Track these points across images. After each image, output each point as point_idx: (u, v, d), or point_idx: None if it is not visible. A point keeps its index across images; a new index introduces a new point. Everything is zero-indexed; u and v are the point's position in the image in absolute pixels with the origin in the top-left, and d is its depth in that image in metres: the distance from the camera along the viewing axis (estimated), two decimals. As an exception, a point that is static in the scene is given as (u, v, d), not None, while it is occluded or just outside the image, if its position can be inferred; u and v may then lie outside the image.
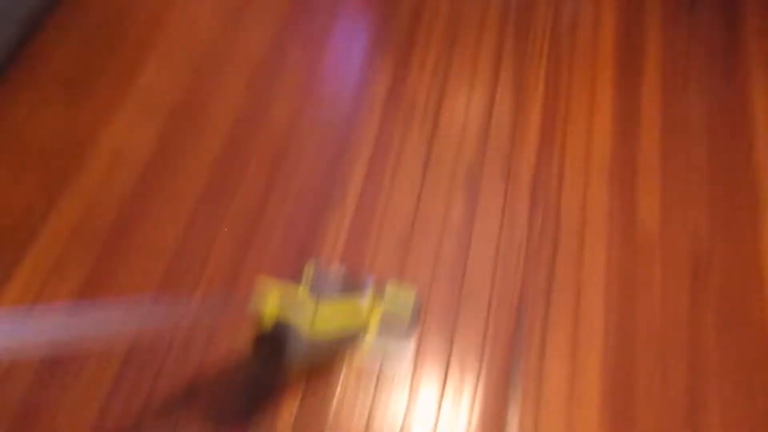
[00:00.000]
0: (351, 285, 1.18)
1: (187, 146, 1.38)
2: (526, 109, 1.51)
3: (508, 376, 1.19)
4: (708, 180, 1.45)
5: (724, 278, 1.33)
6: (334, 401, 1.15)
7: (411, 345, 1.22)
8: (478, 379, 1.19)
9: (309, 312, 0.89)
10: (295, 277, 1.21)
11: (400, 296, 1.23)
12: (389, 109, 1.48)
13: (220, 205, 1.32)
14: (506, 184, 1.40)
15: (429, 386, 1.18)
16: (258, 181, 1.36)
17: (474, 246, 1.32)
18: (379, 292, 1.21)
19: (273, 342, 0.86)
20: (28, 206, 1.29)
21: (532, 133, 1.47)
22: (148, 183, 1.33)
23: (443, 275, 1.28)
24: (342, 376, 1.17)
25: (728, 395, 1.20)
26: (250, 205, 1.33)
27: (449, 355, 1.21)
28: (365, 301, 1.16)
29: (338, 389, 1.16)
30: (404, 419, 1.15)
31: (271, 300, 0.83)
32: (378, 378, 1.18)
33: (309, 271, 1.20)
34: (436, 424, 1.15)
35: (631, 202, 1.40)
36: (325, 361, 1.17)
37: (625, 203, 1.40)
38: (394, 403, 1.16)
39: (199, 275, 1.24)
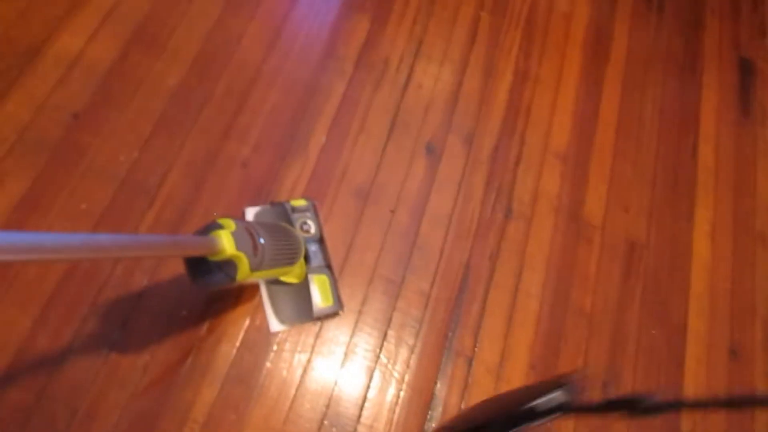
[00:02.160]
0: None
1: (149, 66, 1.31)
2: (495, 86, 1.54)
3: (444, 340, 1.24)
4: (653, 172, 1.55)
5: (655, 264, 1.44)
6: (269, 360, 1.15)
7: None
8: (416, 337, 1.23)
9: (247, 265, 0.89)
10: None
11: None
12: (361, 65, 1.47)
13: (178, 135, 1.27)
14: (466, 157, 1.43)
15: (366, 344, 1.21)
16: (219, 116, 1.32)
17: (429, 210, 1.35)
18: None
19: (207, 273, 0.86)
20: (-30, 105, 1.20)
21: (497, 110, 1.51)
22: (104, 97, 1.26)
23: (395, 236, 1.30)
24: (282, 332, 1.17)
25: (641, 367, 1.31)
26: (209, 139, 1.29)
27: (392, 311, 1.24)
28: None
29: (280, 335, 1.16)
30: (338, 375, 1.17)
31: (227, 240, 0.82)
32: (317, 335, 1.19)
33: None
34: (369, 381, 1.18)
35: (581, 188, 1.47)
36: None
37: (575, 188, 1.46)
38: (332, 356, 1.18)
39: (147, 208, 1.19)
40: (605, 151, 1.54)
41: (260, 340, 1.15)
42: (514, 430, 0.75)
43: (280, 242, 1.03)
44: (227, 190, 1.25)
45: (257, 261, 0.90)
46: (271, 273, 1.03)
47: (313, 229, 1.23)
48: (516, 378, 1.24)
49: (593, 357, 1.30)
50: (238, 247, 0.85)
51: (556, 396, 0.71)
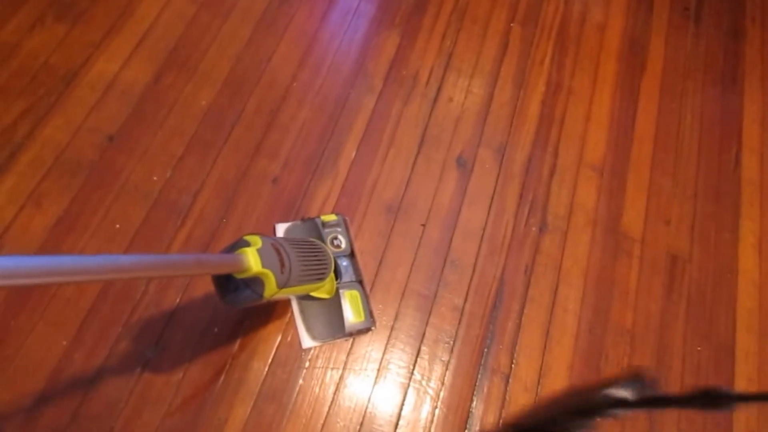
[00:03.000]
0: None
1: (181, 87, 1.34)
2: (527, 98, 1.52)
3: (480, 356, 1.20)
4: (694, 184, 1.49)
5: (699, 279, 1.38)
6: (301, 377, 1.14)
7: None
8: (450, 353, 1.20)
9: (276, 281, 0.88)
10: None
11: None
12: (391, 80, 1.47)
13: (210, 154, 1.29)
14: (499, 168, 1.41)
15: (400, 360, 1.18)
16: (250, 134, 1.33)
17: (461, 224, 1.32)
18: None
19: (234, 290, 0.86)
20: (11, 127, 1.23)
21: (529, 122, 1.48)
22: (138, 119, 1.29)
23: (427, 250, 1.28)
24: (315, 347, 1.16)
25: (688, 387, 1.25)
26: (240, 157, 1.30)
27: (425, 327, 1.21)
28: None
29: (312, 352, 1.15)
30: (371, 392, 1.15)
31: (253, 257, 0.82)
32: (349, 351, 1.17)
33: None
34: (404, 399, 1.15)
35: (618, 201, 1.43)
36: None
37: (612, 201, 1.42)
38: (364, 373, 1.16)
39: (179, 226, 1.20)
40: (643, 162, 1.50)
41: (292, 356, 1.14)
42: (590, 419, 0.71)
43: (309, 258, 1.02)
44: (258, 206, 1.25)
45: (284, 278, 0.90)
46: (300, 289, 1.02)
47: (344, 244, 1.23)
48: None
49: (636, 375, 1.24)
50: (265, 264, 0.84)
51: (635, 386, 0.67)
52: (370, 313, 1.20)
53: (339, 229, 1.23)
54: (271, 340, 1.14)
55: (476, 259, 1.29)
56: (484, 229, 1.33)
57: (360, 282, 1.21)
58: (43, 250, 1.14)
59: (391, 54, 1.51)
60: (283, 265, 0.90)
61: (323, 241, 1.21)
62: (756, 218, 1.49)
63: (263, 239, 0.88)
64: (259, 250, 0.84)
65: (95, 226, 1.17)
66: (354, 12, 1.56)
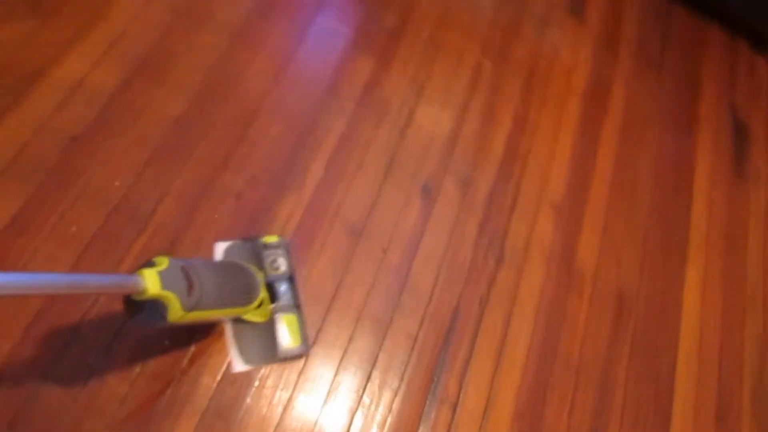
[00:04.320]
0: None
1: (151, 93, 1.32)
2: (494, 131, 1.56)
3: (429, 384, 1.22)
4: (645, 227, 1.56)
5: (645, 319, 1.43)
6: (249, 395, 1.14)
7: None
8: (401, 380, 1.21)
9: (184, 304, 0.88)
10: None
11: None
12: (362, 104, 1.49)
13: (175, 163, 1.28)
14: (462, 198, 1.44)
15: (350, 383, 1.19)
16: (218, 147, 1.32)
17: (421, 251, 1.35)
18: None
19: (139, 311, 0.86)
20: (-31, 122, 1.20)
21: (494, 155, 1.52)
22: (104, 123, 1.27)
23: (386, 275, 1.30)
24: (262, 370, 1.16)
25: (627, 422, 1.29)
26: (205, 169, 1.29)
27: (379, 351, 1.22)
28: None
29: (263, 371, 1.15)
30: (319, 415, 1.15)
31: (151, 279, 0.81)
32: (301, 371, 1.17)
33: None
34: (350, 423, 1.16)
35: (573, 239, 1.47)
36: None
37: (567, 239, 1.47)
38: (314, 395, 1.16)
39: (137, 235, 1.19)
40: (600, 203, 1.55)
41: (242, 374, 1.13)
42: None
43: (229, 281, 1.02)
44: (219, 220, 1.25)
45: (192, 301, 0.88)
46: (221, 313, 1.02)
47: (283, 267, 1.21)
48: (501, 428, 1.21)
49: (579, 408, 1.28)
50: (165, 287, 0.83)
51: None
52: (305, 339, 1.19)
53: (280, 251, 1.22)
54: (221, 356, 1.13)
55: (434, 287, 1.32)
56: (443, 258, 1.35)
57: (298, 306, 1.20)
58: (-8, 249, 1.11)
59: (365, 78, 1.53)
60: (192, 287, 0.88)
61: (262, 262, 1.20)
62: (701, 264, 1.56)
63: (171, 261, 0.87)
64: (161, 272, 0.83)
65: (50, 229, 1.15)
66: (331, 33, 1.58)
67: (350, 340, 1.22)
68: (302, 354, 1.18)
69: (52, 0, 1.35)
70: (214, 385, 1.11)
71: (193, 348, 1.13)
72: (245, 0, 1.53)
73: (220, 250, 1.22)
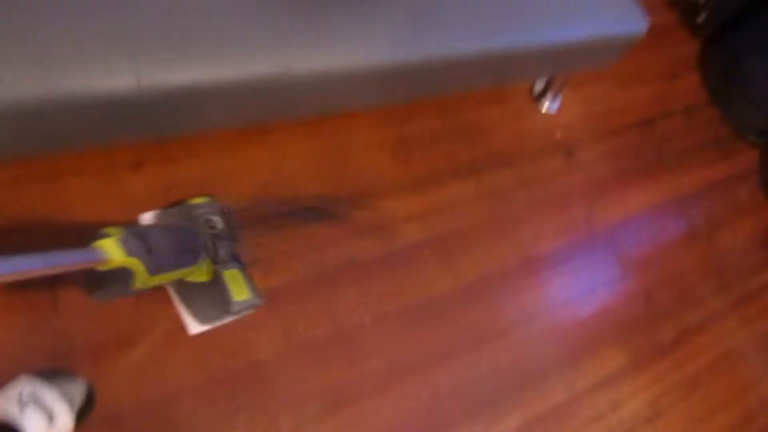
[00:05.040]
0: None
1: (434, 264, 1.42)
2: None
3: None
4: None
5: None
6: None
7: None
8: None
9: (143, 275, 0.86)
10: None
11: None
12: (593, 392, 1.43)
13: (410, 331, 1.34)
14: None
15: None
16: (449, 342, 1.36)
17: None
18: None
19: (102, 284, 0.86)
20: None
21: None
22: (382, 262, 1.40)
23: None
24: None
25: None
26: (427, 354, 1.33)
27: None
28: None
29: None
30: None
31: (112, 248, 0.80)
32: None
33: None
34: None
35: None
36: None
37: None
38: None
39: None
40: None
41: None
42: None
43: (180, 242, 1.00)
44: (402, 408, 1.26)
45: (155, 264, 0.88)
46: (175, 275, 0.99)
47: (219, 224, 1.16)
48: None
49: None
50: (129, 253, 0.83)
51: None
52: (254, 289, 1.15)
53: (211, 210, 1.17)
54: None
55: None
56: None
57: (238, 260, 1.16)
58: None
59: (608, 369, 1.48)
60: (150, 251, 0.87)
61: (195, 223, 1.15)
62: None
63: (125, 229, 0.86)
64: (120, 239, 0.82)
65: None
66: (605, 310, 1.57)
67: None
68: (255, 305, 1.15)
69: (418, 154, 1.57)
70: None
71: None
72: (553, 240, 1.61)
73: (146, 218, 1.20)
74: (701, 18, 2.28)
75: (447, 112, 1.65)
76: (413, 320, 1.36)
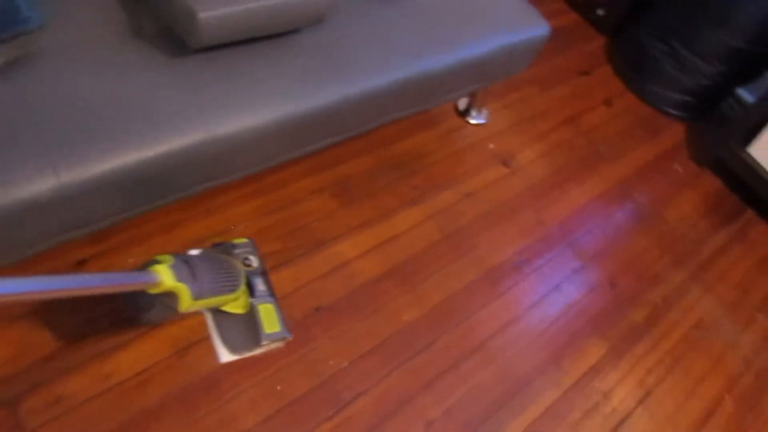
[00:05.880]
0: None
1: (396, 295, 1.42)
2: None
3: None
4: None
5: None
6: None
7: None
8: None
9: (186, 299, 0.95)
10: None
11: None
12: (579, 387, 1.43)
13: (387, 366, 1.32)
14: None
15: None
16: (430, 366, 1.35)
17: None
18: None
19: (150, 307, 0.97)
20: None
21: None
22: (347, 305, 1.37)
23: None
24: None
25: None
26: (411, 384, 1.31)
27: None
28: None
29: None
30: None
31: (165, 273, 0.90)
32: None
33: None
34: None
35: None
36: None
37: None
38: None
39: (327, 419, 1.22)
40: None
41: None
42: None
43: (220, 271, 1.07)
44: (404, 440, 1.24)
45: (197, 289, 0.96)
46: (214, 301, 1.08)
47: (255, 263, 1.28)
48: None
49: None
50: (177, 278, 0.91)
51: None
52: (284, 324, 1.24)
53: (249, 249, 1.29)
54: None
55: None
56: None
57: (273, 296, 1.27)
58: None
59: (591, 361, 1.49)
60: (195, 277, 0.96)
61: (235, 260, 1.25)
62: None
63: (174, 256, 0.95)
64: (171, 266, 0.91)
65: (262, 378, 1.24)
66: (574, 305, 1.59)
67: None
68: (284, 338, 1.25)
69: (358, 192, 1.59)
70: None
71: None
72: (509, 248, 1.64)
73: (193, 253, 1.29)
74: (600, 11, 2.41)
75: (379, 145, 1.68)
76: (389, 354, 1.34)
